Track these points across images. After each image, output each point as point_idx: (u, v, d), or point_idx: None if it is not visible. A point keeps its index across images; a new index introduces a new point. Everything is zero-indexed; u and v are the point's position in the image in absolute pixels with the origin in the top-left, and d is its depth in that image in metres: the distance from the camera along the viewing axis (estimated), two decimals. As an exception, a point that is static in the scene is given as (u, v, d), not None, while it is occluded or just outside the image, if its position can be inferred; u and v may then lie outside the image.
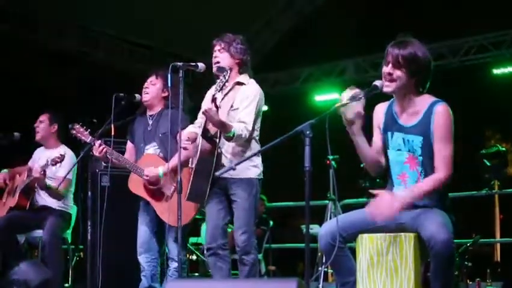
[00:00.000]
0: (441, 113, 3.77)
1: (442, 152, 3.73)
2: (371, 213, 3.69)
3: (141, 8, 10.25)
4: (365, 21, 10.72)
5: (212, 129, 4.75)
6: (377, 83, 3.78)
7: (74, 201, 6.49)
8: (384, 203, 3.63)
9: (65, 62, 10.42)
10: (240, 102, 4.81)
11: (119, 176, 6.08)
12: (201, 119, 4.93)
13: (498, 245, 8.13)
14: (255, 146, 4.88)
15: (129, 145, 5.63)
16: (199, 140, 4.77)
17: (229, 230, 5.56)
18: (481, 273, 7.12)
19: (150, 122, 5.46)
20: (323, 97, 11.80)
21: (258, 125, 4.90)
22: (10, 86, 9.20)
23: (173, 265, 5.23)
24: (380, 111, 4.00)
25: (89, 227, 5.57)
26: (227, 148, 4.81)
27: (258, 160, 4.88)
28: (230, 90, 4.87)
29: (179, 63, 4.70)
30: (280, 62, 12.00)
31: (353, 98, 3.72)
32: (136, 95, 5.48)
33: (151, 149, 5.41)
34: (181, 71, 4.66)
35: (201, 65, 4.84)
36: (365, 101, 3.74)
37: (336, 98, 11.23)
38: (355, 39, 10.52)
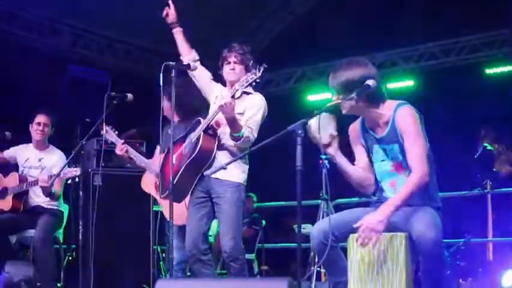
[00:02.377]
0: (402, 115, 3.80)
1: (413, 151, 3.74)
2: (359, 244, 3.67)
3: (137, 8, 10.22)
4: (358, 21, 10.72)
5: (215, 127, 4.77)
6: (369, 82, 3.79)
7: (65, 200, 6.48)
8: (367, 231, 3.62)
9: (60, 62, 10.38)
10: (247, 109, 4.83)
11: (111, 176, 6.08)
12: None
13: (490, 245, 8.13)
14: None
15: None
16: (200, 134, 4.76)
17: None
18: (473, 273, 7.13)
19: (170, 131, 5.53)
20: (316, 97, 11.80)
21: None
22: (2, 86, 9.15)
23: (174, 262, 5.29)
24: (355, 129, 4.06)
25: (80, 227, 5.56)
26: (223, 153, 4.80)
27: (246, 167, 4.89)
28: (238, 97, 4.84)
29: (171, 63, 4.69)
30: (273, 62, 11.96)
31: (346, 98, 3.74)
32: (128, 95, 5.47)
33: None
34: (173, 71, 4.65)
35: (193, 65, 4.84)
36: (335, 120, 3.83)
37: (328, 97, 11.27)
38: (348, 39, 10.51)
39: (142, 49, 11.48)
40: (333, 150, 3.90)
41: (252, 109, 4.84)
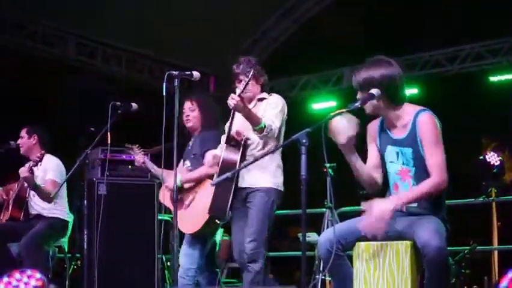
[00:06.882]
0: (425, 121, 3.80)
1: (434, 158, 3.75)
2: (362, 228, 3.70)
3: (140, 17, 10.25)
4: (362, 29, 10.74)
5: (237, 137, 4.81)
6: (373, 91, 3.80)
7: (70, 210, 6.47)
8: (374, 217, 3.63)
9: (64, 71, 10.41)
10: (265, 110, 4.87)
11: (115, 185, 6.08)
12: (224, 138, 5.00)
13: (496, 253, 8.11)
14: (278, 158, 4.92)
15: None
16: (223, 149, 4.84)
17: (227, 238, 5.55)
18: (478, 281, 7.11)
19: (191, 143, 5.56)
20: (320, 105, 11.80)
21: (281, 140, 4.92)
22: (8, 95, 9.18)
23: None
24: (373, 128, 4.05)
25: (85, 236, 5.56)
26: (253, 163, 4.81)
27: (278, 172, 4.92)
28: (253, 107, 4.92)
29: (174, 72, 4.70)
30: (277, 70, 12.00)
31: (350, 107, 3.74)
32: (133, 104, 5.49)
33: (185, 166, 5.53)
34: (176, 80, 4.66)
35: (195, 74, 4.84)
36: (357, 123, 3.77)
37: (333, 105, 11.28)
38: (352, 47, 10.52)
39: (146, 58, 11.52)
40: (349, 148, 3.83)
41: (270, 107, 4.90)
